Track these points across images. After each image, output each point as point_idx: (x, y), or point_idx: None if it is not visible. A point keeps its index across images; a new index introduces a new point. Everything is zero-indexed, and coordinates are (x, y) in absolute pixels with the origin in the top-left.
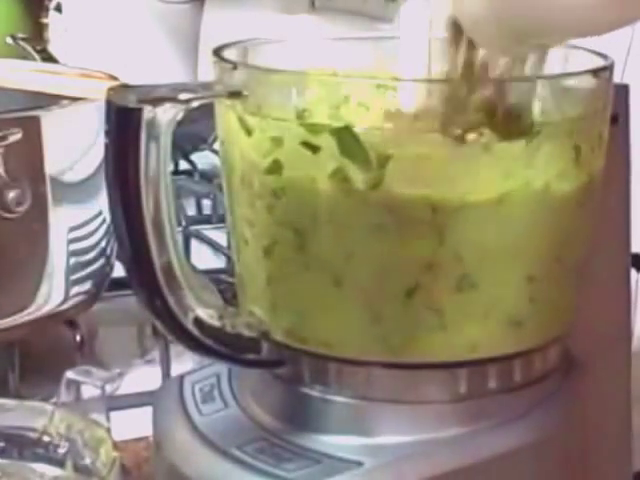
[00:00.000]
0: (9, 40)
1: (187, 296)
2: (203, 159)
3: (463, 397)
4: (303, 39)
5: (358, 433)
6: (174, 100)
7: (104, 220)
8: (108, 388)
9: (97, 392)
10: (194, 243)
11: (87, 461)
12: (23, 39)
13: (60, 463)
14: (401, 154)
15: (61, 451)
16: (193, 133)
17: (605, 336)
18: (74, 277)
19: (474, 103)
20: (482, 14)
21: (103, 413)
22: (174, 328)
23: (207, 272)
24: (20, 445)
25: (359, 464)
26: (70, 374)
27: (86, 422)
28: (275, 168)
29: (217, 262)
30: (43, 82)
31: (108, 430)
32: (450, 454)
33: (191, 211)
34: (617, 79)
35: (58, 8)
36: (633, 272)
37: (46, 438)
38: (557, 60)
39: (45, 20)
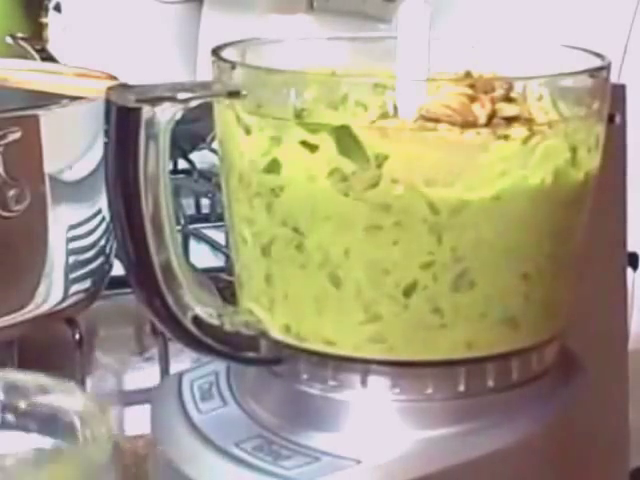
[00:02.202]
0: (9, 40)
1: (186, 294)
2: (202, 158)
3: (461, 395)
4: (301, 39)
5: (356, 431)
6: (173, 99)
7: (103, 219)
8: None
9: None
10: (193, 242)
11: (96, 456)
12: (23, 39)
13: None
14: (399, 153)
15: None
16: (192, 132)
17: (602, 334)
18: (73, 275)
19: (472, 102)
20: None
21: (118, 410)
22: (173, 326)
23: (206, 271)
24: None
25: (357, 462)
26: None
27: (103, 417)
28: (274, 167)
29: (216, 261)
30: (43, 82)
31: (121, 431)
32: (448, 452)
33: (190, 210)
34: (614, 79)
35: (58, 8)
36: (629, 271)
37: (67, 418)
38: (554, 60)
39: (45, 20)
